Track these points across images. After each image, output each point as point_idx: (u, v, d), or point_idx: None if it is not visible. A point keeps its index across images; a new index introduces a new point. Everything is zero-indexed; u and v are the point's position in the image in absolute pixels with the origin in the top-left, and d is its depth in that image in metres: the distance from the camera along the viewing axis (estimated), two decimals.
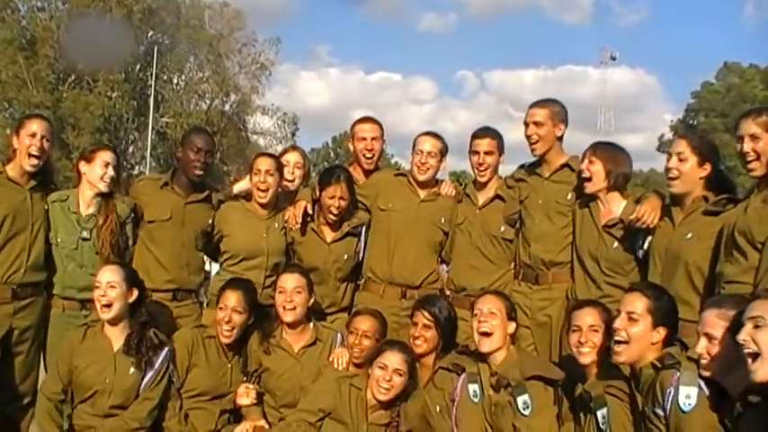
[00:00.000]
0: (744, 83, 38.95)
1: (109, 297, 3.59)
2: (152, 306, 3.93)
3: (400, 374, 3.54)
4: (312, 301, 3.96)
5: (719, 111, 37.53)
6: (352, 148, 4.61)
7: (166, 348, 3.71)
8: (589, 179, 3.80)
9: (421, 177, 4.27)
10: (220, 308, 3.83)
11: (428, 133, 4.35)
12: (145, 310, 3.72)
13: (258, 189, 4.19)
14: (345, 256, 4.27)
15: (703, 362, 2.73)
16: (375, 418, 3.57)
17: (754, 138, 3.13)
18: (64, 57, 29.87)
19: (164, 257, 4.15)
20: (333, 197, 4.13)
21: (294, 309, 3.86)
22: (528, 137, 4.06)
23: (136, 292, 3.69)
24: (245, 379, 3.92)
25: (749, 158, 3.15)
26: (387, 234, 4.28)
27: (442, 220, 4.29)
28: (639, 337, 3.02)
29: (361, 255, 4.36)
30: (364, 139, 4.49)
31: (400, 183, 4.38)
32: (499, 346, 3.51)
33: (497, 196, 4.22)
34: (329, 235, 4.25)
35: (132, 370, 3.63)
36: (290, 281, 3.88)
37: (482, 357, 3.55)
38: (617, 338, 3.05)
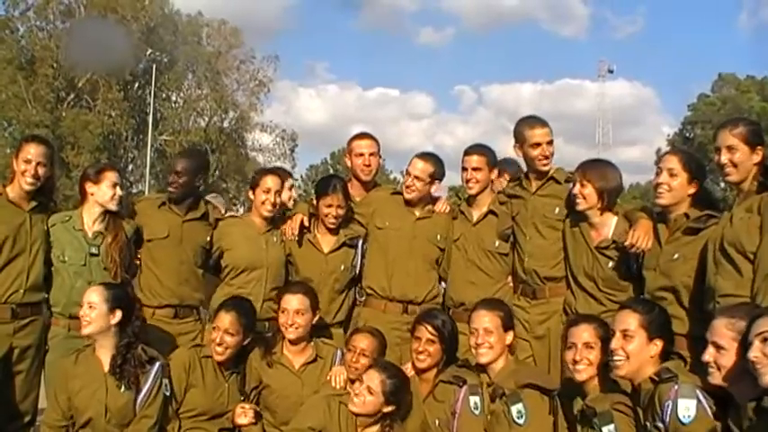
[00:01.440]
0: (739, 94, 39.06)
1: (88, 317, 3.59)
2: (148, 327, 3.93)
3: (371, 393, 3.54)
4: (317, 318, 3.98)
5: (716, 123, 37.61)
6: (349, 163, 4.66)
7: (157, 364, 3.67)
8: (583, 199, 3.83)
9: (407, 196, 4.34)
10: (214, 328, 3.85)
11: (422, 156, 4.36)
12: (131, 330, 3.67)
13: (264, 204, 4.25)
14: (342, 267, 4.31)
15: (711, 370, 2.73)
16: None
17: (731, 149, 3.19)
18: (63, 76, 30.02)
19: (163, 275, 4.20)
20: (330, 206, 4.20)
21: (297, 329, 3.88)
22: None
23: (119, 314, 3.62)
24: (242, 398, 3.92)
25: (726, 169, 3.20)
26: (384, 252, 4.31)
27: (438, 237, 4.33)
28: (637, 352, 3.05)
29: (357, 268, 4.39)
30: (362, 154, 4.55)
31: (396, 201, 4.42)
32: (497, 356, 3.55)
33: (490, 212, 4.27)
34: (326, 246, 4.29)
35: (123, 389, 3.61)
36: (292, 302, 3.90)
37: (481, 368, 3.59)
38: (615, 357, 3.08)
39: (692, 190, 3.46)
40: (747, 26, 76.26)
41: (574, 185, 3.85)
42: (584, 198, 3.80)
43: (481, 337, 3.54)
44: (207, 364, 3.87)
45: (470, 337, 3.61)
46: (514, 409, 3.39)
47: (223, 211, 4.61)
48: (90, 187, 4.09)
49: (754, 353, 2.49)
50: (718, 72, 42.03)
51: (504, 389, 3.45)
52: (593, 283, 3.83)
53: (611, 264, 3.79)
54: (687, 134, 40.98)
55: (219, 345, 3.81)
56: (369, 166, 4.55)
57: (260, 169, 4.83)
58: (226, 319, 3.81)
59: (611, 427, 3.07)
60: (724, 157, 3.20)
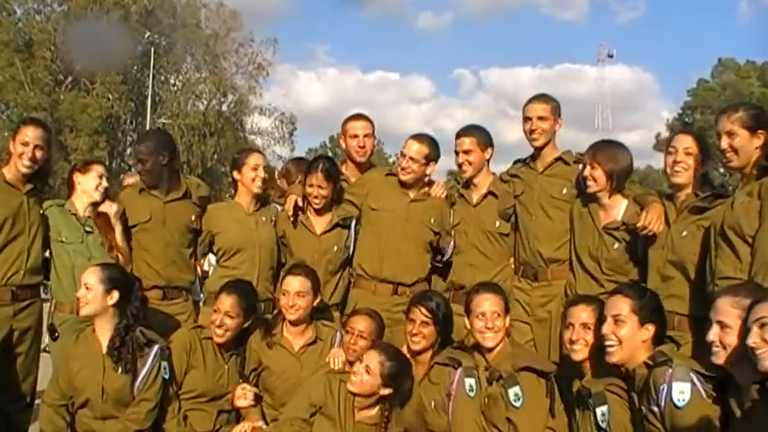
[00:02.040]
0: (739, 80, 38.91)
1: (85, 299, 3.61)
2: (149, 309, 3.94)
3: (369, 374, 3.50)
4: (318, 301, 3.99)
5: (716, 108, 37.49)
6: (344, 145, 4.66)
7: (156, 346, 3.66)
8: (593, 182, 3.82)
9: (402, 178, 4.32)
10: (215, 310, 3.86)
11: (417, 138, 4.32)
12: (130, 313, 3.66)
13: (255, 181, 4.34)
14: (335, 248, 4.31)
15: (715, 349, 2.71)
16: (363, 416, 3.56)
17: (730, 134, 3.20)
18: (61, 59, 29.84)
19: (150, 258, 4.23)
20: (311, 185, 4.21)
21: (297, 310, 3.89)
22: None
23: (115, 294, 3.62)
24: (241, 380, 3.93)
25: (727, 154, 3.22)
26: (377, 233, 4.30)
27: (432, 220, 4.30)
28: (629, 337, 3.07)
29: (351, 248, 4.39)
30: (356, 136, 4.55)
31: (390, 182, 4.40)
32: (501, 340, 3.55)
33: (490, 192, 4.25)
34: (319, 227, 4.30)
35: (121, 371, 3.61)
36: (294, 283, 3.90)
37: (479, 351, 3.58)
38: (607, 343, 3.09)
39: (702, 170, 3.48)
40: (748, 11, 75.90)
41: (584, 167, 3.84)
42: (595, 180, 3.79)
43: (490, 321, 3.51)
44: (207, 345, 3.88)
45: (475, 320, 3.55)
46: (511, 392, 3.40)
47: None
48: (77, 177, 4.17)
49: (753, 338, 2.50)
50: (719, 57, 41.91)
51: (501, 372, 3.45)
52: (597, 265, 3.82)
53: (616, 245, 3.77)
54: (687, 119, 40.85)
55: (220, 327, 3.82)
56: (363, 147, 4.55)
57: (241, 149, 4.88)
58: (227, 302, 3.83)
59: (605, 408, 3.10)
60: (724, 143, 3.21)
